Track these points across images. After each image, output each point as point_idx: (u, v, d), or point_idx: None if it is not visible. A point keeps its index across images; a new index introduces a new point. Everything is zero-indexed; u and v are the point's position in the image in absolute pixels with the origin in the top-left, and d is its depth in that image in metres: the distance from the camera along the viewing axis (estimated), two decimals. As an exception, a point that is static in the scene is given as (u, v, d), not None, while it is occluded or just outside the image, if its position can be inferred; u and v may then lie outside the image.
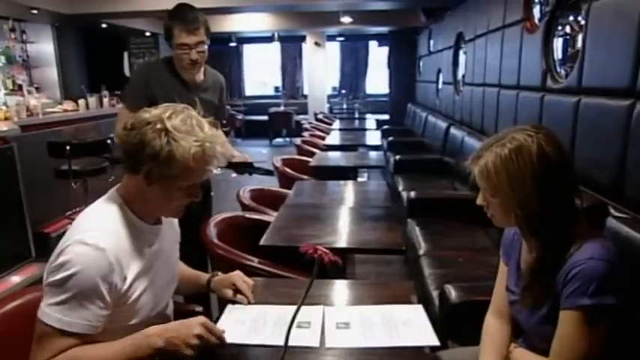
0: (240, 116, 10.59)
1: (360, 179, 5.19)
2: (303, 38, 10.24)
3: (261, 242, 1.94)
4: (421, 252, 2.74)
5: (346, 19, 7.55)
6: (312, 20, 8.56)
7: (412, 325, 1.26)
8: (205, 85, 2.22)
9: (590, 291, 1.02)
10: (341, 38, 10.96)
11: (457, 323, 1.82)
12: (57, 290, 1.04)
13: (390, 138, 6.36)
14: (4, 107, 5.13)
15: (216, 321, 1.31)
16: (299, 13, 8.39)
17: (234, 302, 1.40)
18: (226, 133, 8.97)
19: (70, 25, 6.99)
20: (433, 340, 1.19)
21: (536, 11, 2.96)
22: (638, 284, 1.26)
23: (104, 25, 7.25)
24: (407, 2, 6.83)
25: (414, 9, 7.05)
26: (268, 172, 2.37)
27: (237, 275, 1.44)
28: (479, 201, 1.19)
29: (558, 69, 2.68)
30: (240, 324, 1.29)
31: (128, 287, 1.14)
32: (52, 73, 7.11)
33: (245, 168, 2.23)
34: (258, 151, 9.05)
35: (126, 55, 7.76)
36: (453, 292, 1.90)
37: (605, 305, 1.02)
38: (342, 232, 2.13)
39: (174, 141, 1.08)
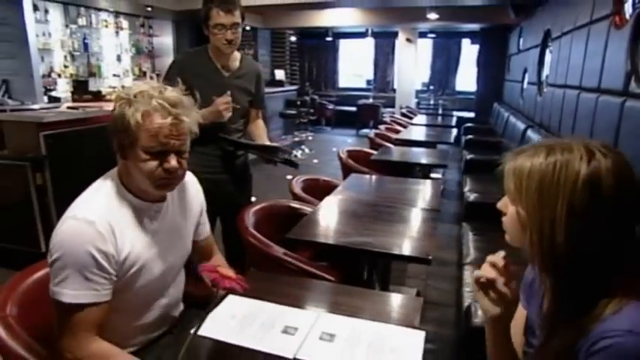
0: (330, 106, 10.59)
1: (433, 175, 4.78)
2: (395, 34, 9.89)
3: (287, 235, 1.80)
4: (468, 260, 2.44)
5: (432, 16, 7.09)
6: (403, 17, 8.19)
7: (399, 354, 1.06)
8: (240, 72, 2.17)
9: None
10: (432, 35, 10.39)
11: (479, 348, 1.54)
12: (58, 268, 1.02)
13: (470, 136, 5.89)
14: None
15: (211, 310, 1.23)
16: (391, 9, 8.12)
17: (233, 294, 1.29)
18: (302, 119, 8.70)
19: (185, 21, 7.42)
20: None
21: (628, 5, 2.41)
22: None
23: (210, 21, 7.58)
24: (495, -2, 6.19)
25: (502, 6, 6.34)
26: (290, 163, 2.12)
27: None
28: (499, 204, 0.89)
29: (646, 71, 2.17)
30: (230, 319, 1.20)
31: (125, 260, 1.10)
32: (170, 62, 7.62)
33: (270, 155, 2.10)
34: (343, 140, 8.99)
35: (230, 47, 8.08)
36: (479, 313, 1.63)
37: None
38: (374, 233, 1.85)
39: (128, 106, 1.07)
